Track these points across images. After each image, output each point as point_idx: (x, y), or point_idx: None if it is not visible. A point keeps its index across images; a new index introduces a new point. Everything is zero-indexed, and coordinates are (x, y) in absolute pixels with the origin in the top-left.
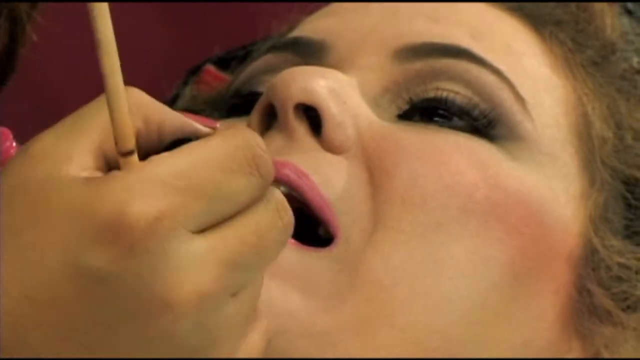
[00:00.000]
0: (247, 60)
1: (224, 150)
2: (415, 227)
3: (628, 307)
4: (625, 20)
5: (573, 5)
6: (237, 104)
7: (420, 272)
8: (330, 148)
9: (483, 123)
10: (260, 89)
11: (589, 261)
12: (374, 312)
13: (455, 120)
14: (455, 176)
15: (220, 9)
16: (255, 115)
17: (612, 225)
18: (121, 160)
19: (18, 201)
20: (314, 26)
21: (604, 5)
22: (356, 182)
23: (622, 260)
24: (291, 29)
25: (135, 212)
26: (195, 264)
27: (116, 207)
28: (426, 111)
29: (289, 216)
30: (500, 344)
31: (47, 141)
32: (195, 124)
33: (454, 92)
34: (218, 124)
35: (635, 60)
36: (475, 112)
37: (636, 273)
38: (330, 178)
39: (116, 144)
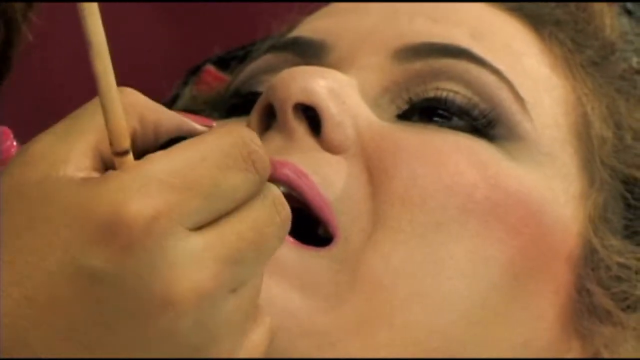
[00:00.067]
0: (246, 60)
1: (219, 146)
2: (415, 227)
3: (628, 307)
4: (624, 20)
5: (572, 5)
6: (236, 104)
7: (420, 272)
8: (330, 148)
9: (482, 123)
10: (260, 88)
11: (589, 261)
12: (373, 312)
13: (455, 120)
14: (454, 176)
15: (220, 9)
16: (255, 115)
17: (611, 225)
18: (116, 160)
19: (16, 203)
20: (314, 26)
21: (604, 5)
22: (355, 182)
23: (621, 260)
24: (291, 29)
25: (132, 211)
26: (193, 261)
27: (113, 206)
28: (426, 111)
29: (286, 211)
30: (500, 344)
31: (44, 143)
32: (191, 122)
33: (453, 92)
34: (214, 123)
35: (634, 60)
36: (475, 112)
37: (636, 273)
38: (329, 178)
39: (111, 144)
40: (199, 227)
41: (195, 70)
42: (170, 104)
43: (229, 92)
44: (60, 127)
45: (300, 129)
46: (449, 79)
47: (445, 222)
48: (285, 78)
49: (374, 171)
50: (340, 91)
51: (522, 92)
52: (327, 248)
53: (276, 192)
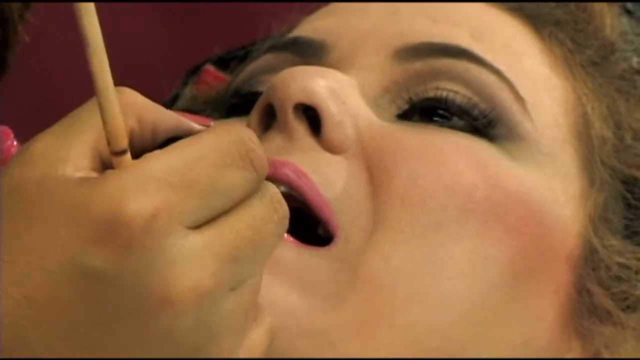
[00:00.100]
0: (246, 60)
1: (217, 145)
2: (415, 227)
3: (628, 307)
4: (624, 20)
5: (573, 5)
6: (236, 104)
7: (420, 272)
8: (330, 148)
9: (483, 123)
10: (260, 88)
11: (589, 261)
12: (373, 311)
13: (455, 120)
14: (454, 176)
15: (220, 9)
16: (255, 115)
17: (611, 225)
18: (114, 160)
19: (15, 203)
20: (314, 26)
21: (604, 5)
22: (356, 182)
23: (621, 260)
24: (291, 29)
25: (131, 210)
26: (192, 259)
27: (112, 206)
28: (426, 111)
29: (284, 209)
30: (500, 344)
31: (43, 143)
32: (189, 122)
33: (453, 91)
34: (212, 122)
35: (634, 60)
36: (475, 112)
37: (636, 273)
38: (329, 178)
39: (109, 143)
40: (198, 226)
41: (195, 70)
42: (170, 104)
43: (229, 92)
44: (59, 127)
45: (300, 128)
46: (449, 79)
47: (445, 222)
48: (285, 78)
49: (374, 171)
50: (340, 91)
51: (522, 92)
52: (327, 248)
53: (274, 190)
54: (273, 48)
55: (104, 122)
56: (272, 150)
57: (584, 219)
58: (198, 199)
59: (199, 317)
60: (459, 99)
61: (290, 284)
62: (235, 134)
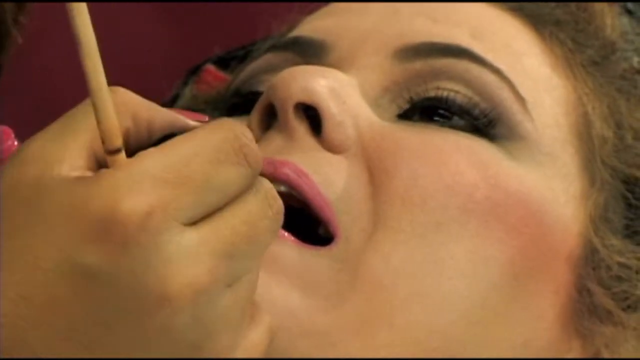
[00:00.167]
0: (247, 60)
1: (211, 141)
2: (415, 227)
3: (628, 306)
4: (625, 20)
5: (573, 5)
6: (237, 103)
7: (420, 272)
8: (330, 148)
9: (483, 122)
10: (261, 88)
11: (589, 261)
12: (374, 311)
13: (456, 120)
14: (455, 176)
15: (220, 9)
16: (255, 114)
17: (612, 225)
18: (109, 159)
19: (11, 204)
20: (314, 26)
21: (604, 5)
22: (356, 182)
23: (622, 259)
24: (291, 28)
25: (126, 208)
26: (188, 256)
27: (107, 204)
28: (426, 110)
29: (278, 205)
30: (500, 344)
31: (38, 144)
32: (184, 118)
33: (454, 91)
34: (207, 118)
35: (635, 60)
36: (476, 112)
37: (636, 272)
38: (330, 177)
39: (103, 142)
40: (193, 223)
41: (195, 70)
42: (170, 104)
43: (230, 92)
44: (54, 128)
45: (300, 128)
46: (449, 79)
47: (446, 222)
48: (285, 78)
49: (375, 171)
50: (340, 91)
51: (523, 92)
52: (327, 247)
53: (268, 185)
54: (273, 48)
55: (98, 122)
56: (272, 150)
57: (584, 218)
58: (193, 195)
59: (196, 314)
60: (459, 99)
61: (290, 283)
62: (229, 130)
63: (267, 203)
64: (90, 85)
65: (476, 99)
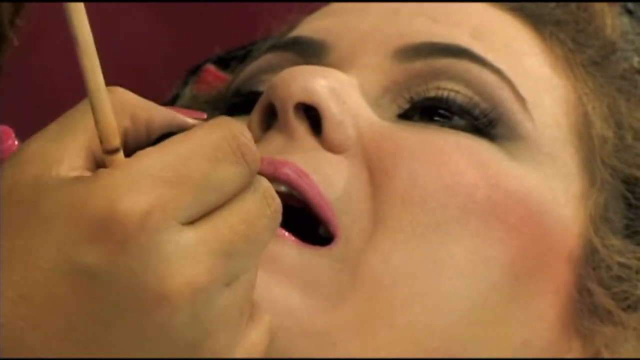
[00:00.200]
0: (247, 60)
1: (209, 140)
2: (415, 227)
3: (628, 306)
4: (625, 20)
5: (573, 5)
6: (237, 103)
7: (420, 272)
8: (331, 147)
9: (484, 122)
10: (261, 88)
11: (589, 261)
12: (374, 311)
13: (456, 120)
14: (455, 176)
15: (220, 9)
16: (256, 114)
17: (612, 225)
18: (107, 159)
19: (10, 204)
20: (315, 26)
21: (604, 5)
22: (356, 182)
23: (622, 259)
24: (291, 28)
25: (125, 207)
26: (187, 255)
27: (106, 204)
28: (427, 110)
29: (276, 203)
30: (500, 344)
31: (37, 144)
32: (182, 117)
33: (454, 91)
34: (205, 115)
35: (635, 59)
36: (476, 112)
37: (636, 272)
38: (330, 177)
39: (101, 142)
40: (192, 222)
41: (195, 70)
42: (170, 104)
43: (230, 92)
44: (53, 128)
45: (301, 128)
46: (449, 79)
47: (446, 222)
48: (286, 78)
49: (375, 171)
50: (341, 91)
51: (523, 92)
52: (327, 247)
53: (266, 184)
54: (274, 48)
55: (96, 122)
56: (272, 150)
57: (584, 218)
58: (191, 194)
59: (195, 313)
60: (459, 99)
61: (290, 283)
62: (227, 129)
63: (265, 202)
64: (88, 84)
65: (476, 99)
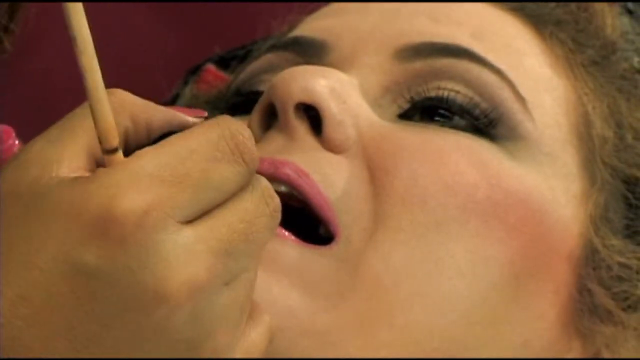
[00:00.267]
0: (247, 59)
1: (207, 139)
2: (415, 226)
3: (629, 306)
4: (625, 19)
5: (573, 5)
6: (237, 103)
7: (420, 272)
8: (331, 147)
9: (484, 122)
10: (261, 88)
11: (590, 261)
12: (374, 311)
13: (456, 120)
14: (455, 176)
15: (220, 9)
16: (256, 114)
17: (612, 225)
18: (106, 158)
19: (10, 205)
20: (315, 26)
21: (604, 5)
22: (356, 182)
23: (622, 259)
24: (291, 28)
25: (124, 206)
26: (185, 254)
27: (104, 202)
28: (427, 110)
29: (275, 203)
30: (500, 344)
31: (37, 146)
32: (182, 115)
33: (454, 91)
34: (205, 113)
35: (635, 59)
36: (476, 112)
37: (637, 272)
38: (330, 177)
39: (100, 142)
40: (190, 221)
41: (196, 70)
42: (170, 104)
43: (230, 91)
44: (52, 131)
45: (301, 128)
46: (450, 79)
47: (446, 221)
48: (286, 78)
49: (375, 171)
50: (341, 91)
51: (523, 92)
52: (328, 247)
53: (265, 183)
54: (274, 47)
55: (95, 121)
56: (273, 150)
57: (584, 218)
58: (190, 193)
59: (194, 312)
60: (460, 99)
61: (290, 282)
62: (225, 128)
63: (264, 201)
64: (87, 84)
65: (477, 99)
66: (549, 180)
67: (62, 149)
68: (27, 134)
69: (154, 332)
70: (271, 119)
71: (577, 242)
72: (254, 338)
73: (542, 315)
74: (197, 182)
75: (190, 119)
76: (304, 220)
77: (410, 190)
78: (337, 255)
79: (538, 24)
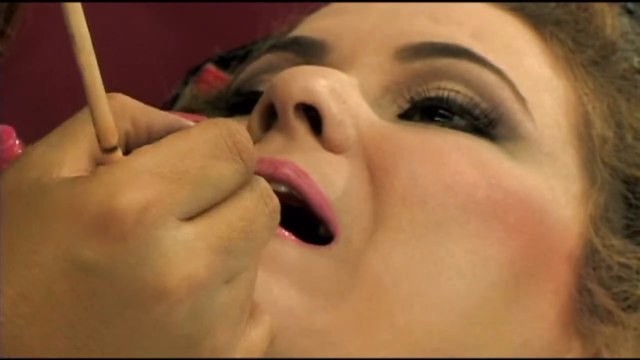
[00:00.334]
0: (247, 59)
1: (205, 137)
2: (415, 226)
3: (629, 306)
4: (625, 20)
5: (573, 5)
6: (237, 103)
7: (420, 272)
8: (331, 147)
9: (484, 122)
10: (261, 88)
11: (590, 261)
12: (373, 311)
13: (456, 120)
14: (455, 176)
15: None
16: (256, 115)
17: (612, 225)
18: (105, 157)
19: (11, 205)
20: (315, 26)
21: (604, 5)
22: (356, 182)
23: (622, 259)
24: (291, 28)
25: (123, 202)
26: (185, 251)
27: (104, 199)
28: (427, 110)
29: (274, 203)
30: (500, 344)
31: (39, 151)
32: (182, 119)
33: (454, 91)
34: (205, 118)
35: (635, 59)
36: (476, 112)
37: (637, 272)
38: (330, 177)
39: (99, 141)
40: (190, 218)
41: (195, 70)
42: (170, 104)
43: (230, 92)
44: (53, 136)
45: (301, 128)
46: (449, 79)
47: (446, 221)
48: (286, 78)
49: (375, 171)
50: (341, 91)
51: (523, 92)
52: (328, 246)
53: (263, 183)
54: (274, 47)
55: (94, 119)
56: (272, 150)
57: (584, 218)
58: (189, 190)
59: (194, 309)
60: (460, 99)
61: (290, 282)
62: (223, 127)
63: (263, 201)
64: (85, 81)
65: (477, 99)
66: (548, 180)
67: (63, 153)
68: (27, 134)
69: (154, 328)
70: (271, 119)
71: (577, 242)
72: (255, 338)
73: (542, 315)
74: (196, 179)
75: (190, 123)
76: (304, 220)
77: (410, 190)
78: (337, 255)
79: (538, 24)
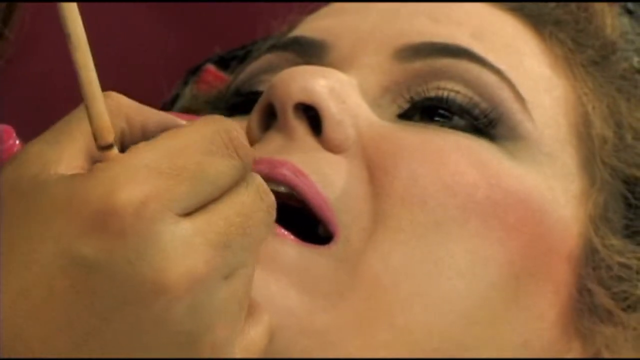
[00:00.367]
0: (247, 59)
1: (202, 133)
2: (415, 226)
3: (629, 306)
4: (625, 20)
5: (573, 5)
6: (237, 103)
7: (420, 272)
8: (330, 147)
9: (484, 122)
10: (261, 88)
11: (589, 261)
12: (373, 311)
13: (456, 120)
14: (454, 176)
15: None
16: (255, 115)
17: (612, 225)
18: (102, 155)
19: (10, 203)
20: (315, 26)
21: (604, 5)
22: (356, 182)
23: (622, 259)
24: (291, 28)
25: (122, 198)
26: (184, 246)
27: (103, 196)
28: (427, 110)
29: (270, 199)
30: (500, 344)
31: (36, 148)
32: (176, 119)
33: (454, 91)
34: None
35: (635, 59)
36: (476, 112)
37: (637, 272)
38: (329, 177)
39: (95, 139)
40: (188, 213)
41: (196, 70)
42: (170, 104)
43: (230, 92)
44: (49, 133)
45: (300, 128)
46: (449, 79)
47: (445, 221)
48: (285, 78)
49: (375, 171)
50: (340, 91)
51: (523, 92)
52: (327, 246)
53: (259, 180)
54: (273, 48)
55: (90, 117)
56: (272, 150)
57: (584, 218)
58: (187, 185)
59: (193, 304)
60: (459, 99)
61: (289, 282)
62: (219, 123)
63: (259, 197)
64: (81, 79)
65: (476, 99)
66: (548, 180)
67: (60, 151)
68: (27, 134)
69: (153, 324)
70: (270, 119)
71: (577, 242)
72: (254, 336)
73: (542, 315)
74: (194, 174)
75: (185, 123)
76: (303, 220)
77: (409, 190)
78: (336, 255)
79: (538, 24)
